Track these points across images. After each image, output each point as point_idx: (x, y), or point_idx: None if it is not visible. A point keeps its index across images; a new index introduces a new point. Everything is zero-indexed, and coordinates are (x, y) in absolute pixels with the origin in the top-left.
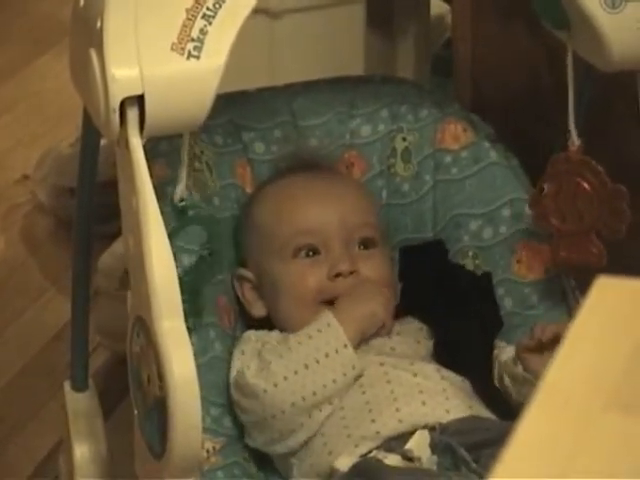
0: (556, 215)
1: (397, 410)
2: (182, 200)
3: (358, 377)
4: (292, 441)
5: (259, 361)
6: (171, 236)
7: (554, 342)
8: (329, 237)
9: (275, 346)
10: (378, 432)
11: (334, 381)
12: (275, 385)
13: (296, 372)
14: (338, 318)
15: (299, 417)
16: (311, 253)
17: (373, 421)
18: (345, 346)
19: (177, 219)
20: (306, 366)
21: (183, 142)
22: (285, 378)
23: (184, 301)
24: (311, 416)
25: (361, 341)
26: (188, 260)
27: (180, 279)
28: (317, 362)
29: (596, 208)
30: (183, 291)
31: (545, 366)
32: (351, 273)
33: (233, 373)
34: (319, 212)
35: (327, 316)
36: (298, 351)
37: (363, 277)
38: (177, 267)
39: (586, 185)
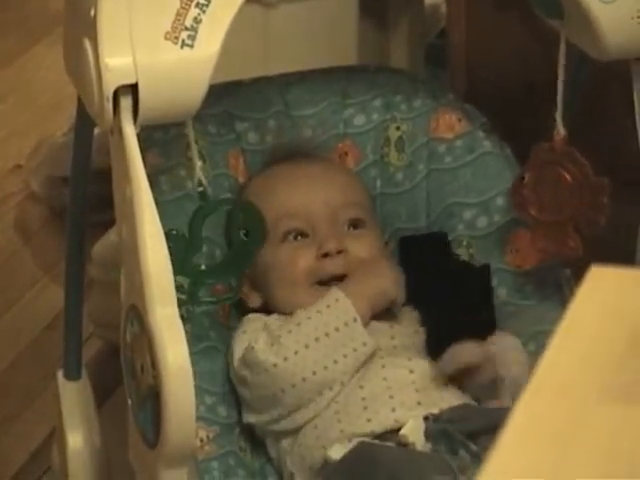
0: (535, 205)
1: (393, 410)
2: (200, 185)
3: (371, 355)
4: (299, 417)
5: (267, 336)
6: (199, 222)
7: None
8: (316, 219)
9: (284, 321)
10: (372, 430)
11: (345, 356)
12: (285, 359)
13: (307, 346)
14: (346, 293)
15: (309, 393)
16: (299, 236)
17: (369, 420)
18: (355, 320)
19: (201, 205)
20: (317, 339)
21: (188, 128)
22: (296, 352)
23: (178, 290)
24: (322, 393)
25: (371, 317)
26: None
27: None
28: (327, 336)
29: (576, 200)
30: (219, 277)
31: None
32: (339, 253)
33: (237, 354)
34: (304, 195)
35: (335, 292)
36: (307, 325)
37: (352, 256)
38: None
39: (568, 176)
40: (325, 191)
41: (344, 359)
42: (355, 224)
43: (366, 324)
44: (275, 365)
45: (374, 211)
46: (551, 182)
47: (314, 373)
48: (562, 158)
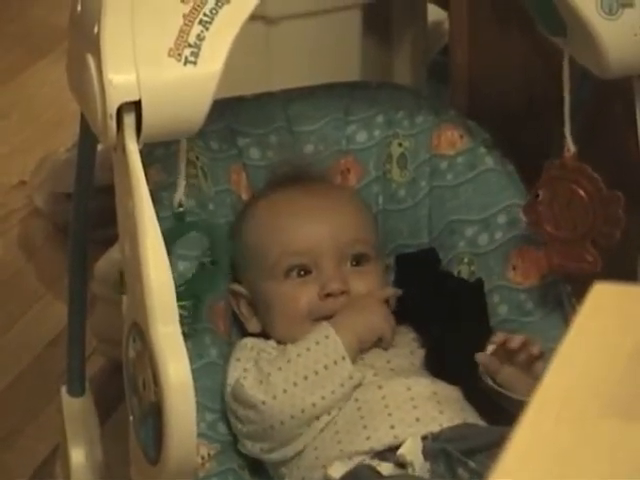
0: (550, 222)
1: (392, 427)
2: (180, 206)
3: (356, 387)
4: (290, 450)
5: (257, 372)
6: (169, 242)
7: (516, 352)
8: (320, 256)
9: (274, 357)
10: (372, 448)
11: (332, 392)
12: (274, 397)
13: (295, 384)
14: (336, 329)
15: (298, 428)
16: (302, 272)
17: (368, 438)
18: (343, 358)
19: (176, 225)
20: (305, 378)
21: (180, 148)
22: (284, 391)
23: (180, 308)
24: (310, 426)
25: (359, 352)
26: (184, 267)
27: (177, 286)
28: (316, 374)
29: (591, 215)
30: (180, 298)
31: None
32: (342, 293)
33: (229, 381)
34: (309, 231)
35: (325, 328)
36: (297, 363)
37: (354, 295)
38: (173, 274)
39: (581, 192)
40: (332, 228)
41: (332, 395)
42: (359, 260)
43: (354, 358)
44: (264, 403)
45: (377, 238)
46: (565, 198)
47: (302, 411)
48: (574, 174)
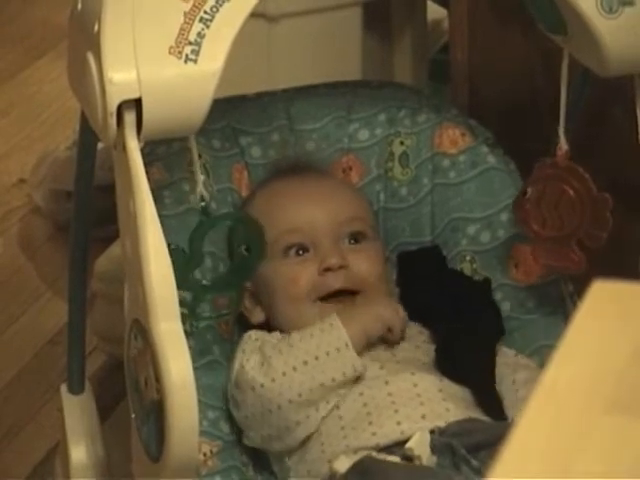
0: (537, 220)
1: (398, 424)
2: (203, 200)
3: (359, 381)
4: (290, 439)
5: (259, 356)
6: (200, 237)
7: None
8: (317, 234)
9: (277, 342)
10: (378, 444)
11: (333, 379)
12: (273, 380)
13: (295, 368)
14: (342, 319)
15: (296, 414)
16: (301, 251)
17: (374, 434)
18: (346, 345)
19: (203, 220)
20: (305, 363)
21: (190, 142)
22: (284, 374)
23: (181, 305)
24: (309, 416)
25: (366, 344)
26: (212, 262)
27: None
28: (316, 359)
29: (578, 215)
30: (217, 290)
31: None
32: (341, 267)
33: (234, 373)
34: (306, 210)
35: (332, 317)
36: (299, 348)
37: (354, 271)
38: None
39: (571, 191)
40: (327, 206)
41: (332, 382)
42: (356, 238)
43: (361, 351)
44: (262, 385)
45: (376, 222)
46: (554, 197)
47: (299, 395)
48: (565, 173)
